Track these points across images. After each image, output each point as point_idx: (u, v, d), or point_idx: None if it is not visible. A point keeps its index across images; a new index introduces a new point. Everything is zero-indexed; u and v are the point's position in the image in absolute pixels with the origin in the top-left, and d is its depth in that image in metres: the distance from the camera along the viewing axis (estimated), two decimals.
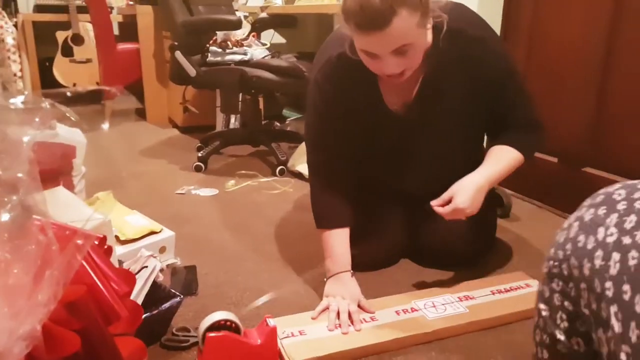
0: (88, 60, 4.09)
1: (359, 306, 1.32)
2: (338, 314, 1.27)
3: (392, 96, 1.41)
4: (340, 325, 1.24)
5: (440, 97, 1.39)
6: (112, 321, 0.63)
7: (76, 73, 4.10)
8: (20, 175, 0.59)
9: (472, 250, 1.57)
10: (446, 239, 1.52)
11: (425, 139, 1.46)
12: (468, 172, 1.37)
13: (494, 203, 1.48)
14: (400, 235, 1.59)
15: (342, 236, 1.41)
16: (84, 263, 0.61)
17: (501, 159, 1.39)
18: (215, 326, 1.10)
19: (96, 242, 0.70)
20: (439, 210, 1.30)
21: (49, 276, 0.51)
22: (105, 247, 0.75)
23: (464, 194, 1.29)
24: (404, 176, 1.53)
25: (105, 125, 3.41)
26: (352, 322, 1.25)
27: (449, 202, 1.30)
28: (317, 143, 1.47)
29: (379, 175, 1.56)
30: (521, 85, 1.43)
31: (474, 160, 1.45)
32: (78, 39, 4.06)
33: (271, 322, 1.16)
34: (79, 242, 0.55)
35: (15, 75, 3.98)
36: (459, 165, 1.43)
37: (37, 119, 0.65)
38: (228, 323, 1.12)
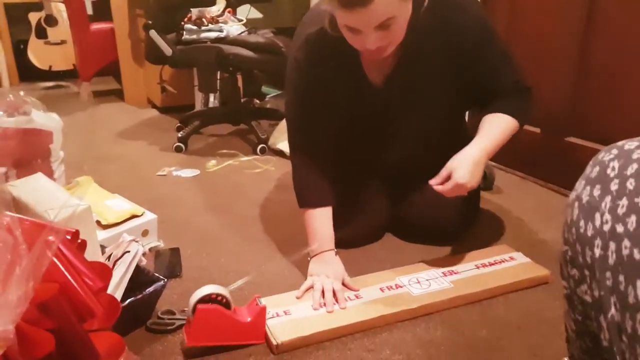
0: (63, 42, 3.99)
1: (343, 284, 1.32)
2: (323, 292, 1.27)
3: (373, 70, 1.39)
4: (325, 304, 1.24)
5: (420, 66, 1.37)
6: (87, 319, 0.62)
7: (51, 55, 4.01)
8: None
9: (457, 224, 1.57)
10: (431, 214, 1.52)
11: (407, 111, 1.44)
12: (450, 144, 1.36)
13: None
14: (384, 211, 1.59)
15: (324, 215, 1.40)
16: (55, 260, 0.60)
17: (495, 127, 1.36)
18: (206, 299, 1.11)
19: (68, 237, 0.68)
20: (439, 188, 1.29)
21: (18, 275, 0.50)
22: (79, 241, 0.74)
23: (463, 168, 1.27)
24: (387, 150, 1.52)
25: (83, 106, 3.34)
26: (336, 300, 1.26)
27: (447, 178, 1.28)
28: (299, 122, 1.45)
29: (361, 150, 1.55)
30: (503, 48, 1.40)
31: (456, 132, 1.45)
32: (52, 20, 3.95)
33: (262, 301, 1.16)
34: (49, 238, 0.54)
35: None
36: (442, 137, 1.43)
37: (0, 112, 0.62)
38: (219, 298, 1.12)
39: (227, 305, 1.13)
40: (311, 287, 1.30)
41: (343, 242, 1.46)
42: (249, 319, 1.14)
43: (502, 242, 1.55)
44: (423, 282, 1.34)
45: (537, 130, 2.03)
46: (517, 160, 2.12)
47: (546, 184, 2.01)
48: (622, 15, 1.71)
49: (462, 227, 1.60)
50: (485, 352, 1.14)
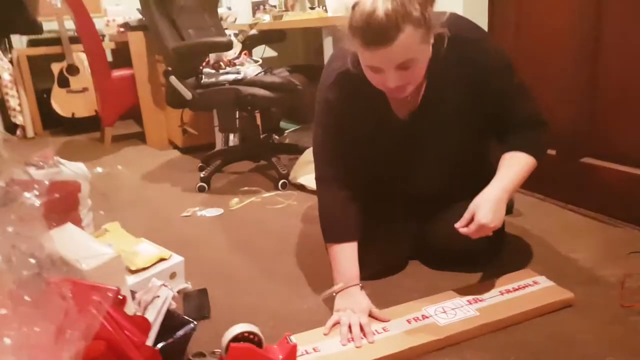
0: (84, 89, 4.13)
1: (371, 316, 1.34)
2: (350, 327, 1.29)
3: (400, 106, 1.44)
4: (353, 339, 1.26)
5: (443, 102, 1.42)
6: None
7: (74, 103, 4.14)
8: (34, 234, 0.61)
9: (486, 249, 1.57)
10: (460, 239, 1.51)
11: (432, 144, 1.49)
12: (474, 171, 1.39)
13: None
14: (408, 242, 1.62)
15: (350, 250, 1.43)
16: (101, 317, 0.63)
17: (514, 165, 1.41)
18: (239, 338, 1.13)
19: (110, 294, 0.72)
20: (464, 231, 1.33)
21: (70, 335, 0.53)
22: (120, 297, 0.77)
23: (485, 208, 1.31)
24: (412, 181, 1.56)
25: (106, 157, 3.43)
26: (364, 334, 1.27)
27: (471, 220, 1.33)
28: (326, 159, 1.50)
29: (387, 181, 1.59)
30: (520, 82, 1.45)
31: (480, 160, 1.48)
32: (73, 69, 4.09)
33: (292, 339, 1.18)
34: (97, 299, 0.57)
35: (14, 109, 4.02)
36: (466, 166, 1.48)
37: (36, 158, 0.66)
38: (251, 336, 1.14)
39: (259, 343, 1.15)
40: (338, 322, 1.32)
41: (368, 275, 1.48)
42: (280, 357, 1.16)
43: (525, 266, 1.56)
44: (449, 312, 1.35)
45: (553, 152, 2.04)
46: (534, 182, 2.12)
47: (566, 205, 2.02)
48: (630, 32, 1.72)
49: (491, 252, 1.61)
50: None
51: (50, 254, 0.63)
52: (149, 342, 1.18)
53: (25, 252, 0.59)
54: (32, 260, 0.58)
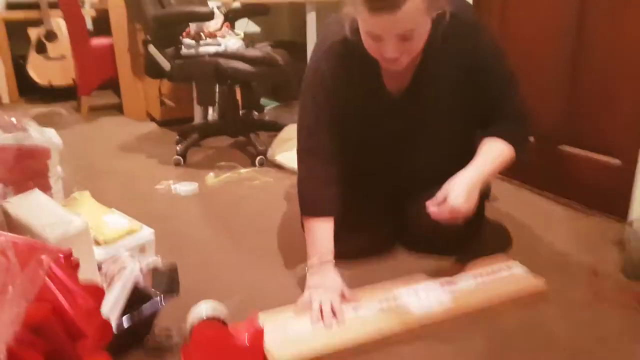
0: (62, 57, 4.02)
1: (342, 296, 1.32)
2: (321, 306, 1.27)
3: (392, 81, 1.41)
4: (323, 319, 1.24)
5: (436, 80, 1.39)
6: (79, 340, 0.62)
7: (51, 70, 4.03)
8: None
9: (463, 233, 1.52)
10: (437, 225, 1.48)
11: (421, 124, 1.46)
12: (460, 158, 1.36)
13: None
14: (387, 225, 1.60)
15: (326, 226, 1.40)
16: (48, 280, 0.60)
17: (492, 153, 1.38)
18: (204, 318, 1.10)
19: (61, 255, 0.69)
20: (435, 214, 1.29)
21: (11, 296, 0.50)
22: (72, 260, 0.74)
23: (457, 191, 1.27)
24: (397, 163, 1.53)
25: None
26: (335, 314, 1.26)
27: (443, 201, 1.29)
28: (312, 131, 1.45)
29: (370, 162, 1.56)
30: (511, 74, 1.44)
31: (466, 149, 1.46)
32: (51, 36, 3.98)
33: (260, 321, 1.16)
34: (42, 257, 0.54)
35: None
36: (452, 151, 1.45)
37: None
38: (216, 316, 1.12)
39: (225, 322, 1.13)
40: (309, 301, 1.30)
41: (343, 254, 1.46)
42: (247, 343, 1.13)
43: (500, 250, 1.55)
44: (422, 295, 1.33)
45: (531, 139, 2.03)
46: (512, 168, 2.11)
47: (542, 192, 2.02)
48: (612, 23, 1.72)
49: (467, 236, 1.58)
50: None
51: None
52: (114, 313, 1.15)
53: None
54: None
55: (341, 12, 1.29)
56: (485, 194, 1.94)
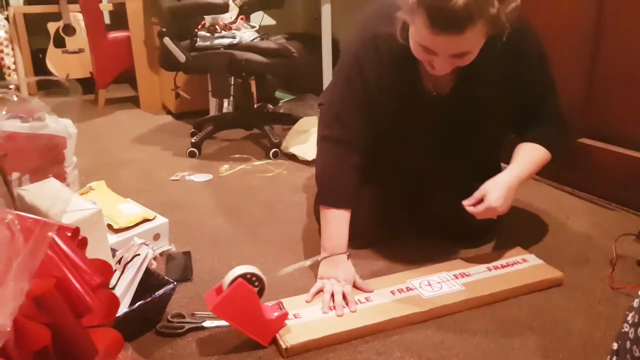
0: (80, 50, 4.05)
1: (354, 286, 1.31)
2: (333, 295, 1.26)
3: (430, 81, 1.38)
4: (334, 307, 1.24)
5: (479, 84, 1.36)
6: (84, 313, 0.62)
7: (69, 63, 4.06)
8: None
9: (483, 224, 1.51)
10: (457, 214, 1.41)
11: (457, 124, 1.43)
12: (486, 160, 1.37)
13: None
14: (404, 209, 1.58)
15: (343, 218, 1.38)
16: (53, 255, 0.60)
17: (530, 157, 1.39)
18: (245, 277, 1.14)
19: (68, 234, 0.69)
20: (471, 209, 1.31)
21: (15, 270, 0.50)
22: (80, 238, 0.74)
23: (497, 192, 1.29)
24: (423, 158, 1.50)
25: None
26: (347, 303, 1.25)
27: (480, 201, 1.31)
28: (342, 118, 1.40)
29: (397, 154, 1.53)
30: (552, 80, 1.42)
31: (495, 151, 1.47)
32: (69, 30, 4.01)
33: (284, 308, 1.20)
34: (45, 232, 0.54)
35: (8, 68, 3.95)
36: (482, 152, 1.45)
37: (3, 112, 0.63)
38: (256, 283, 1.15)
39: (260, 293, 1.15)
40: (321, 290, 1.30)
41: (358, 237, 1.45)
42: (273, 317, 1.15)
43: (515, 244, 1.53)
44: (434, 285, 1.32)
45: (572, 143, 2.00)
46: None
47: (560, 185, 1.99)
48: (633, 14, 1.68)
49: (486, 229, 1.58)
50: (498, 354, 1.13)
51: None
52: (127, 298, 1.16)
53: None
54: None
55: (392, 7, 1.24)
56: None
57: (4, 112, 0.70)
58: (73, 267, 0.62)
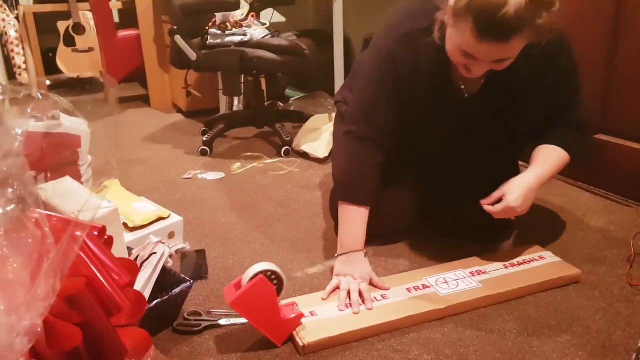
0: (90, 49, 4.07)
1: (371, 284, 1.31)
2: (349, 293, 1.26)
3: (461, 80, 1.36)
4: (351, 305, 1.23)
5: (510, 86, 1.35)
6: (114, 313, 0.62)
7: (79, 62, 4.08)
8: (11, 167, 0.58)
9: (501, 224, 1.49)
10: (475, 213, 1.40)
11: (480, 124, 1.41)
12: (505, 165, 1.37)
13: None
14: (422, 208, 1.57)
15: (362, 215, 1.36)
16: (83, 255, 0.60)
17: (551, 158, 1.38)
18: (265, 273, 1.13)
19: (95, 233, 0.69)
20: (490, 209, 1.30)
21: (46, 269, 0.50)
22: (106, 237, 0.74)
23: (517, 192, 1.28)
24: (446, 157, 1.50)
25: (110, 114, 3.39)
26: (363, 301, 1.24)
27: (498, 200, 1.30)
28: (371, 116, 1.37)
29: (420, 152, 1.52)
30: (579, 88, 1.41)
31: (515, 156, 1.50)
32: (79, 28, 4.03)
33: (298, 309, 1.18)
34: (76, 232, 0.54)
35: (19, 67, 3.97)
36: (503, 157, 1.46)
37: (29, 110, 0.63)
38: (275, 281, 1.14)
39: (278, 291, 1.15)
40: (337, 287, 1.29)
41: (374, 231, 1.43)
42: (289, 317, 1.15)
43: (532, 241, 1.52)
44: (451, 282, 1.32)
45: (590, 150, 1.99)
46: None
47: (576, 183, 1.97)
48: None
49: (507, 223, 1.55)
50: (516, 352, 1.12)
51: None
52: (144, 294, 1.16)
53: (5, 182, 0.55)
54: (10, 190, 0.55)
55: (430, 5, 1.22)
56: None
57: (29, 110, 0.70)
58: (102, 267, 0.62)
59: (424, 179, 1.55)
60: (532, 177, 1.32)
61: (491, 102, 1.37)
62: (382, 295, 1.28)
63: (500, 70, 1.20)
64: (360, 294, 1.25)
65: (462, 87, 1.37)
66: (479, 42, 1.11)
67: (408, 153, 1.51)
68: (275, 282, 1.14)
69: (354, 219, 1.36)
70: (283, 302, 1.22)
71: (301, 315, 1.17)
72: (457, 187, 1.49)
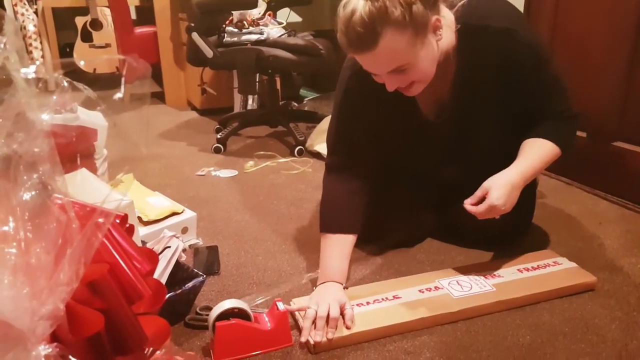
0: (107, 45, 4.09)
1: (342, 314, 1.18)
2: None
3: (427, 102, 1.36)
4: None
5: (474, 96, 1.33)
6: (135, 300, 0.62)
7: (96, 58, 4.11)
8: (38, 152, 0.58)
9: (509, 232, 1.51)
10: (483, 221, 1.35)
11: (462, 139, 1.41)
12: (503, 166, 1.31)
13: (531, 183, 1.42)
14: (428, 218, 1.57)
15: (339, 244, 1.32)
16: (106, 241, 0.60)
17: (535, 152, 1.32)
18: (225, 314, 1.10)
19: (117, 221, 0.69)
20: (472, 209, 1.24)
21: (70, 255, 0.50)
22: (127, 225, 0.74)
23: (499, 190, 1.23)
24: (438, 171, 1.49)
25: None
26: (327, 324, 1.15)
27: (482, 199, 1.24)
28: (338, 148, 1.41)
29: (411, 169, 1.51)
30: (555, 74, 1.34)
31: (511, 155, 1.42)
32: (97, 24, 4.06)
33: (281, 306, 1.15)
34: (100, 219, 0.54)
35: (37, 61, 4.00)
36: (498, 157, 1.40)
37: (54, 97, 0.63)
38: (236, 310, 1.11)
39: (246, 317, 1.12)
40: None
41: (386, 243, 1.44)
42: (269, 326, 1.13)
43: (546, 248, 1.51)
44: (464, 285, 1.31)
45: (584, 134, 1.97)
46: (561, 165, 2.05)
47: (593, 190, 1.95)
48: None
49: (516, 233, 1.55)
50: (529, 358, 1.11)
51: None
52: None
53: (28, 167, 0.56)
54: (35, 176, 0.55)
55: None
56: (535, 185, 1.88)
57: (54, 97, 0.70)
58: (124, 254, 0.62)
59: (428, 183, 1.54)
60: (514, 173, 1.27)
61: (462, 123, 1.37)
62: (393, 296, 1.27)
63: (419, 81, 1.19)
64: (328, 315, 1.15)
65: (428, 114, 1.37)
66: (358, 57, 1.14)
67: (402, 169, 1.52)
68: (238, 311, 1.12)
69: (332, 248, 1.32)
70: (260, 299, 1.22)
71: (285, 313, 1.14)
72: (457, 193, 1.48)
